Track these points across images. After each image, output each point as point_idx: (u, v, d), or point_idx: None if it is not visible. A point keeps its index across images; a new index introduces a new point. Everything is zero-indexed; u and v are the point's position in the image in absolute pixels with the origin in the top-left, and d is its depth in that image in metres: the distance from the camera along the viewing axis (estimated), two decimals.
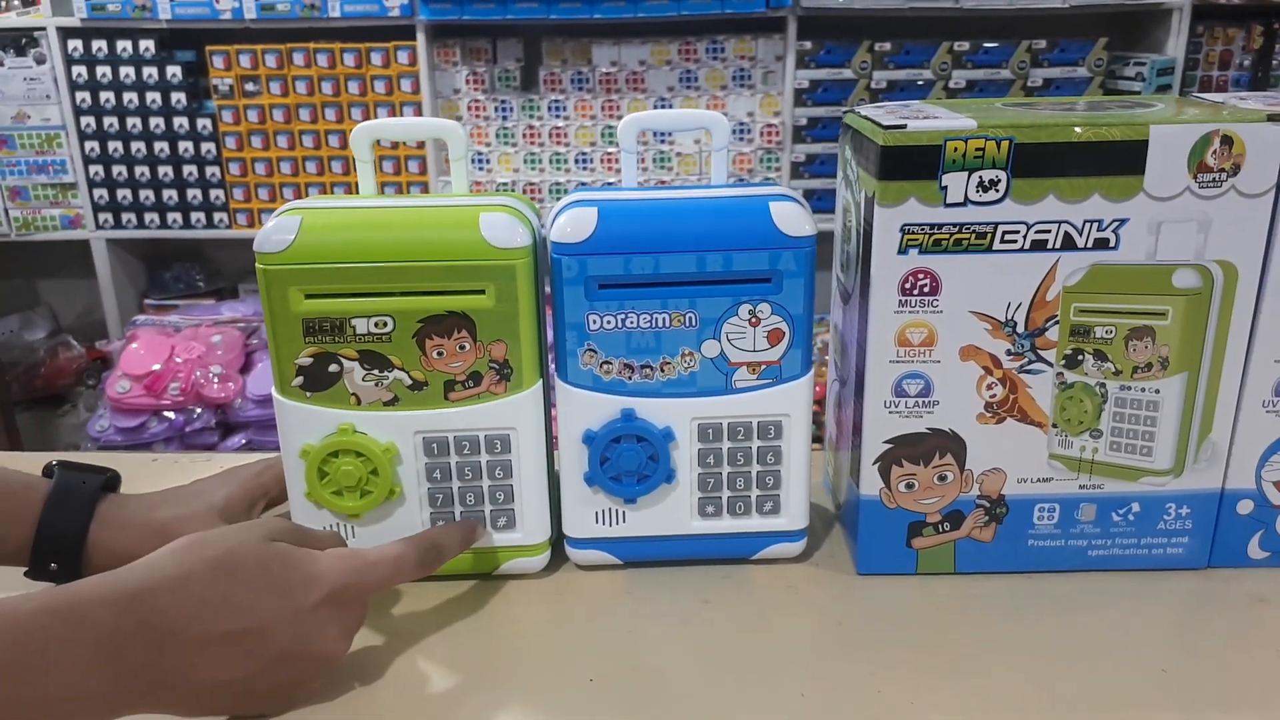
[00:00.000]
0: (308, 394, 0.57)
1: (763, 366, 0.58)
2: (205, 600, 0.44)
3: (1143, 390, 0.57)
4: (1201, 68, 2.35)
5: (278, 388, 0.57)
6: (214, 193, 2.40)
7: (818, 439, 0.67)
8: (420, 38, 2.24)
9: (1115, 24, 2.38)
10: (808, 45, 2.25)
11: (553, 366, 0.60)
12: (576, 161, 2.31)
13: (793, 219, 0.55)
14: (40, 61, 2.31)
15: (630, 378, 0.58)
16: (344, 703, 0.51)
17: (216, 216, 2.42)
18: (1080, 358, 0.56)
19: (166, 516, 0.58)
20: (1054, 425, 0.58)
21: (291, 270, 0.55)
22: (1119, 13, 2.31)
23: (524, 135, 2.31)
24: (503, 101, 2.30)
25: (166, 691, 0.44)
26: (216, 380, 2.05)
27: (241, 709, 0.48)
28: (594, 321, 0.56)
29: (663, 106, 2.27)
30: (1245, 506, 0.59)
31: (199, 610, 0.44)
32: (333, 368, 0.57)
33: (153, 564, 0.45)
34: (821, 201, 2.20)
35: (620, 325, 0.57)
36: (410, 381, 0.57)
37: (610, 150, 2.30)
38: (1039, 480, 0.59)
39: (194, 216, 2.42)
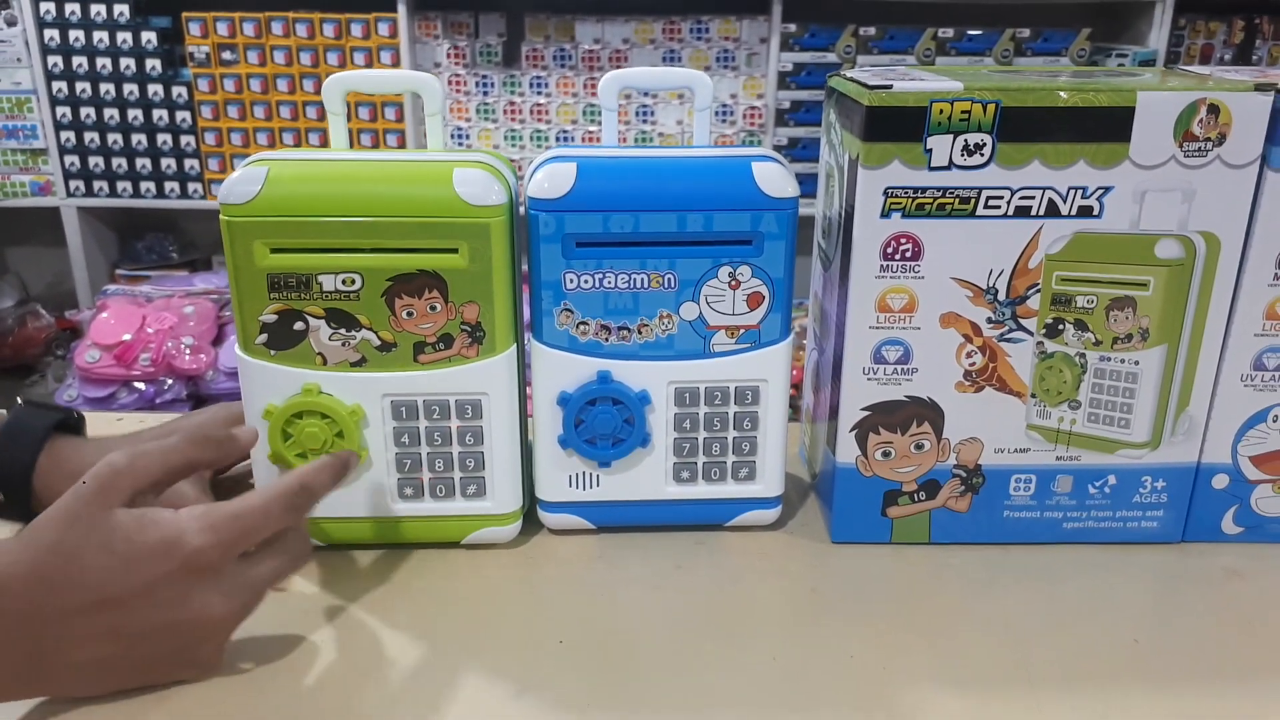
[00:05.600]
0: (272, 352, 0.56)
1: (741, 330, 0.57)
2: (53, 581, 0.43)
3: (1122, 361, 0.56)
4: (1183, 61, 2.36)
5: (241, 345, 0.56)
6: (188, 162, 2.36)
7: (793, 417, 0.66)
8: (401, 9, 2.21)
9: (1099, 15, 2.38)
10: (792, 28, 2.24)
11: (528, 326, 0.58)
12: (558, 139, 2.29)
13: (775, 179, 0.54)
14: (11, 23, 2.26)
15: (607, 339, 0.57)
16: (305, 668, 0.50)
17: (191, 187, 2.39)
18: (1061, 327, 0.56)
19: None
20: (1033, 395, 0.57)
21: (256, 223, 0.53)
22: (1103, 3, 2.31)
23: (505, 111, 2.29)
24: (484, 77, 2.27)
25: (46, 676, 0.44)
26: (188, 351, 2.02)
27: (128, 683, 0.47)
28: (571, 280, 0.55)
29: None
30: (1220, 481, 0.59)
31: (50, 590, 0.43)
32: (298, 325, 0.55)
33: (7, 549, 0.44)
34: (804, 186, 2.18)
35: (598, 285, 0.55)
36: (378, 342, 0.55)
37: (592, 129, 2.28)
38: (1016, 451, 0.58)
39: (168, 186, 2.38)
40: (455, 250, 0.54)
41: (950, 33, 2.23)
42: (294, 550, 0.50)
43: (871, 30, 2.23)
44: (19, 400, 0.60)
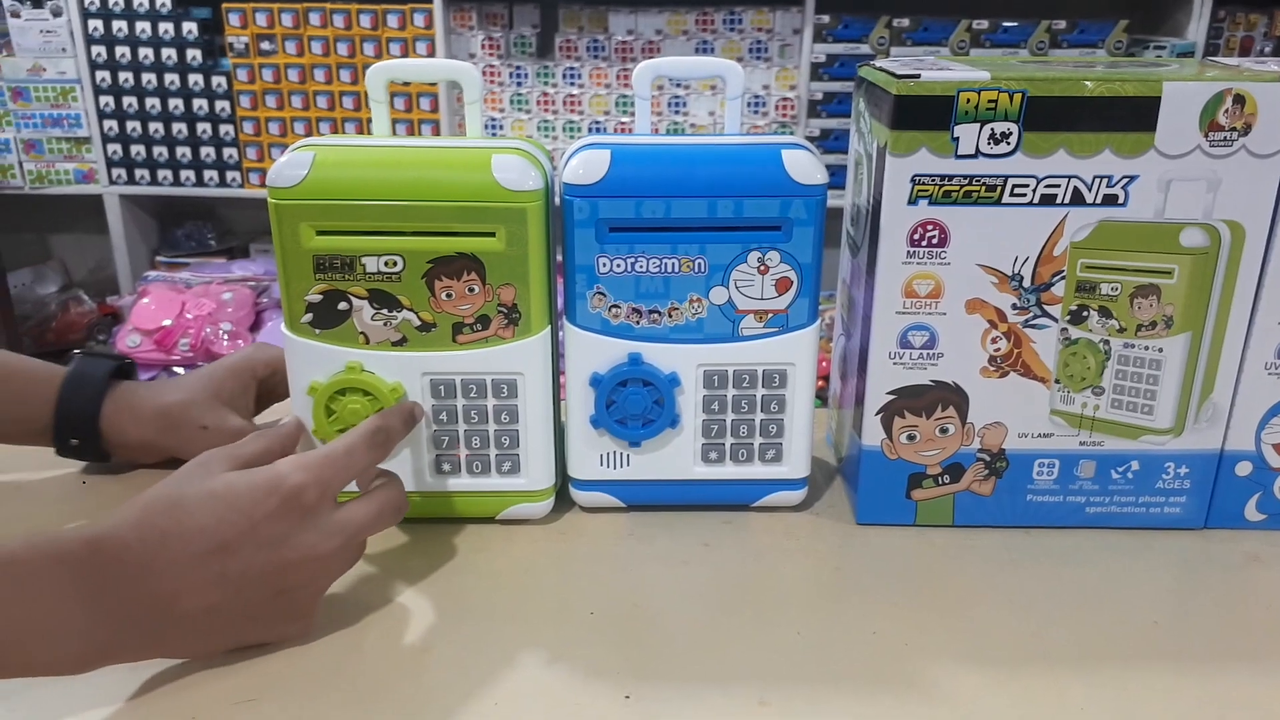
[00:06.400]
0: (316, 331, 0.58)
1: (770, 315, 0.58)
2: (165, 531, 0.45)
3: (1146, 348, 0.57)
4: (1222, 53, 2.33)
5: (287, 324, 0.58)
6: (227, 151, 2.41)
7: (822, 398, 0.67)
8: (437, 0, 2.23)
9: (1136, 6, 2.36)
10: (825, 19, 2.24)
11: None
12: (590, 130, 2.31)
13: (804, 167, 0.55)
14: (57, 14, 2.31)
15: (638, 322, 0.58)
16: (344, 636, 0.52)
17: (229, 175, 2.43)
18: (1085, 314, 0.57)
19: (169, 401, 0.64)
20: (1056, 381, 0.58)
21: (303, 206, 0.55)
22: None
23: (538, 102, 2.30)
24: (518, 67, 2.30)
25: (165, 629, 0.46)
26: (226, 337, 2.06)
27: (233, 637, 0.49)
28: (604, 264, 0.57)
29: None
30: (1244, 468, 0.60)
31: (161, 541, 0.45)
32: (342, 305, 0.57)
33: (118, 511, 0.46)
34: (837, 178, 2.18)
35: (630, 269, 0.57)
36: (419, 322, 0.57)
37: (624, 120, 2.30)
38: (1040, 436, 0.59)
39: (207, 174, 2.43)
40: (493, 234, 0.56)
41: (985, 24, 2.22)
42: (386, 500, 0.53)
43: (905, 21, 2.23)
44: (76, 352, 0.64)
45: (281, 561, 0.48)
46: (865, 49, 2.25)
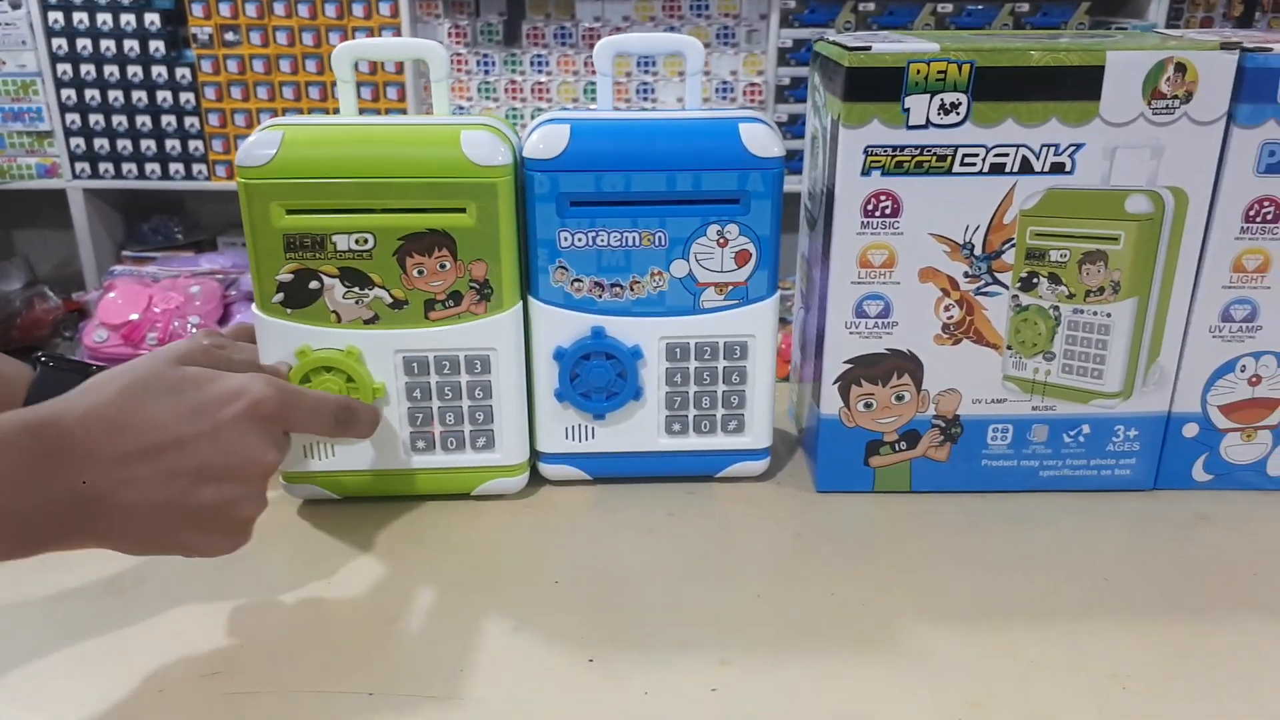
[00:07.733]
0: (288, 310, 0.58)
1: (730, 287, 0.59)
2: (114, 421, 0.44)
3: (1095, 314, 0.59)
4: None
5: (258, 304, 0.58)
6: (193, 144, 2.38)
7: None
8: None
9: None
10: (792, 4, 2.25)
11: None
12: None
13: (761, 140, 0.56)
14: (15, 6, 2.28)
15: (600, 296, 0.59)
16: (323, 610, 0.53)
17: (195, 168, 2.41)
18: (1035, 281, 0.58)
19: None
20: (1008, 347, 0.60)
21: (272, 185, 0.55)
22: None
23: (506, 90, 2.30)
24: (485, 55, 2.29)
25: (102, 519, 0.44)
26: (195, 331, 2.05)
27: (168, 537, 0.47)
28: (565, 239, 0.58)
29: (646, 62, 2.27)
30: (1191, 430, 0.62)
31: (109, 430, 0.44)
32: (313, 284, 0.57)
33: (65, 397, 0.45)
34: (801, 161, 2.19)
35: (591, 243, 0.58)
36: (391, 300, 0.58)
37: (593, 107, 2.30)
38: (993, 401, 0.61)
39: (173, 168, 2.41)
40: (463, 209, 0.56)
41: (950, 8, 2.24)
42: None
43: (871, 5, 2.24)
44: (41, 358, 0.62)
45: (234, 464, 0.47)
46: (832, 33, 2.26)
